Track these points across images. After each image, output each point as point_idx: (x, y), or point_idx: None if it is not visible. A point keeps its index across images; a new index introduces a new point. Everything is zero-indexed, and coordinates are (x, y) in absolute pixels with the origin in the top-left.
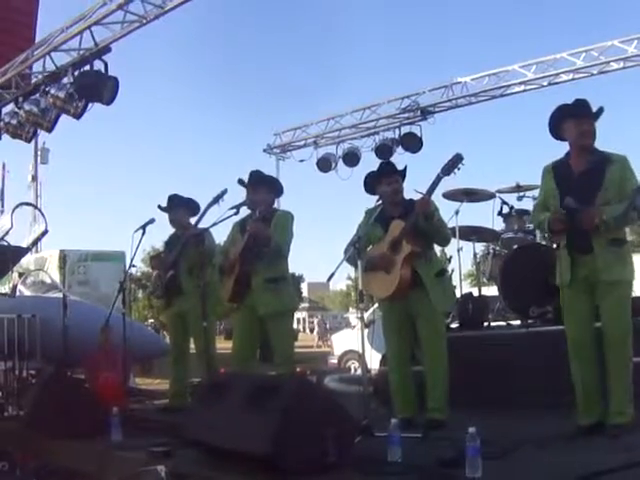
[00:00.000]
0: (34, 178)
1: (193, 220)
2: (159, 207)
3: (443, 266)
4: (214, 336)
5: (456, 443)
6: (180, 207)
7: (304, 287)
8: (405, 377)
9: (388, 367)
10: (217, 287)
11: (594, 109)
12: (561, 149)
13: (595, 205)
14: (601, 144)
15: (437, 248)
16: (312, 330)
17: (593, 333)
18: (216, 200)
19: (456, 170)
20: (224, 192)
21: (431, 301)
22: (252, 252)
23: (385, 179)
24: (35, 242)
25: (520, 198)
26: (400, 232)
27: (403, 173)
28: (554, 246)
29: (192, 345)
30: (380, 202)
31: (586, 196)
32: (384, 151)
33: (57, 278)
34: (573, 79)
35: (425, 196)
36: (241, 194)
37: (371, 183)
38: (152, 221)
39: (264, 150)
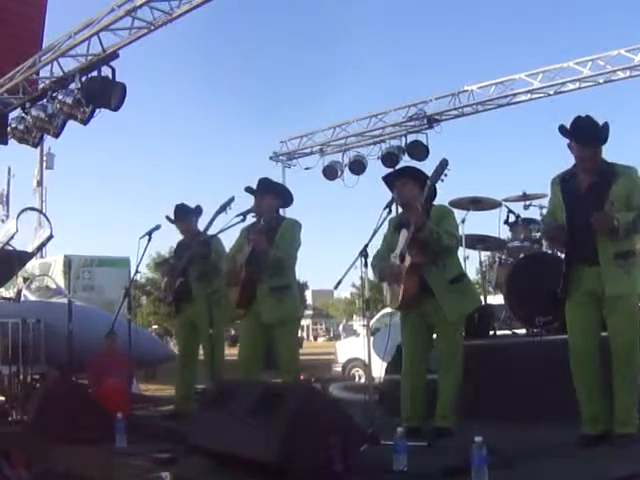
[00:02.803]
0: (39, 183)
1: (200, 226)
2: (167, 218)
3: (461, 271)
4: (222, 343)
5: (462, 452)
6: (188, 216)
7: (308, 294)
8: (416, 384)
9: (401, 373)
10: (227, 294)
11: (600, 122)
12: (568, 157)
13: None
14: (607, 154)
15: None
16: (316, 338)
17: (597, 343)
18: (223, 208)
19: (443, 176)
20: (231, 200)
21: (443, 310)
22: (256, 261)
23: (394, 187)
24: (40, 247)
25: (527, 207)
26: (403, 244)
27: (414, 174)
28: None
29: (201, 352)
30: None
31: (592, 211)
32: (390, 159)
33: (62, 283)
34: (579, 88)
35: (417, 208)
36: (248, 201)
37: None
38: (158, 227)
39: (270, 158)
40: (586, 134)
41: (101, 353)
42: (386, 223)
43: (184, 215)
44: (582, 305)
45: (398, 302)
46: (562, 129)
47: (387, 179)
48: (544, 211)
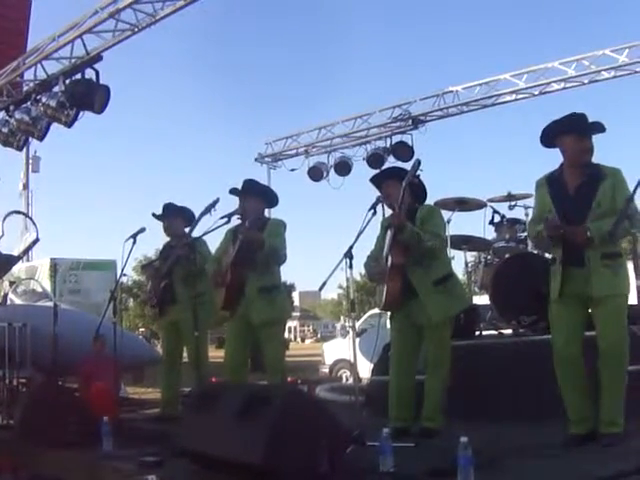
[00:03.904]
0: (25, 186)
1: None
2: (153, 215)
3: (448, 271)
4: (206, 345)
5: (448, 452)
6: (175, 216)
7: (295, 296)
8: (404, 385)
9: (390, 373)
10: (212, 296)
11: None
12: (552, 157)
13: (587, 221)
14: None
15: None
16: (303, 339)
17: (581, 345)
18: (208, 209)
19: (416, 177)
20: (216, 201)
21: (428, 311)
22: (246, 259)
23: (381, 188)
24: (26, 251)
25: (512, 207)
26: (387, 245)
27: (399, 175)
28: (549, 258)
29: (185, 354)
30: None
31: (580, 211)
32: (375, 160)
33: (48, 287)
34: (564, 88)
35: (395, 209)
36: (233, 203)
37: None
38: (143, 230)
39: (255, 159)
40: (586, 125)
41: (91, 356)
42: (370, 224)
43: (171, 213)
44: (567, 306)
45: (382, 302)
46: (556, 125)
47: (374, 180)
48: (529, 211)
